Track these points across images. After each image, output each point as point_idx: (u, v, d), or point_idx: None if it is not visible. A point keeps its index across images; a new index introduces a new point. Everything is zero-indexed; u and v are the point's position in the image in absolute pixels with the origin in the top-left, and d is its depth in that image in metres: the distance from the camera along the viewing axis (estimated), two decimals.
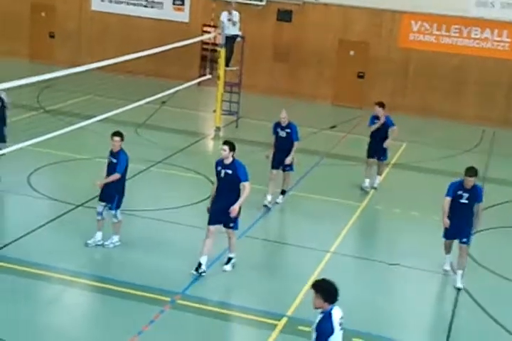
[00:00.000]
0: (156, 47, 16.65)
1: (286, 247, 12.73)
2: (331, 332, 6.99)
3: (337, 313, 7.06)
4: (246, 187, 10.89)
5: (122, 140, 11.57)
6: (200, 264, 10.96)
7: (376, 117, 15.21)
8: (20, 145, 13.31)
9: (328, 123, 21.31)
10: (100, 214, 11.66)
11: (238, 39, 19.96)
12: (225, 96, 19.73)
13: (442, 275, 11.74)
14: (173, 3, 24.93)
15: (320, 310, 7.06)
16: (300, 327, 9.61)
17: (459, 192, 11.21)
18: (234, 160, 10.98)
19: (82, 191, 13.75)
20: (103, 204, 11.64)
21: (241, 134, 19.34)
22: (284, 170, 14.23)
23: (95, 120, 14.89)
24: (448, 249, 11.75)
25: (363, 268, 12.18)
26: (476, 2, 22.32)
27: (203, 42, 23.55)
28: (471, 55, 22.62)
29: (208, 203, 11.43)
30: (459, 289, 11.26)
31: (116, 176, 11.49)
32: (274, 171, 14.20)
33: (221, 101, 19.51)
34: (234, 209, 10.86)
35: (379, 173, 15.76)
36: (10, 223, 13.12)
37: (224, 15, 19.67)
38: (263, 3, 23.86)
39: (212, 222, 11.04)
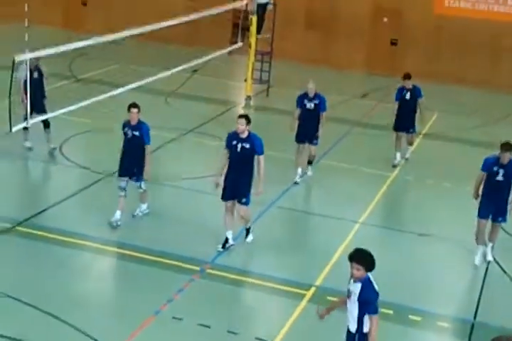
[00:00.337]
0: (188, 14, 16.57)
1: (314, 217, 12.75)
2: (377, 295, 7.04)
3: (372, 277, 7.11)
4: (261, 161, 10.58)
5: (139, 111, 11.26)
6: (226, 239, 10.93)
7: (403, 88, 14.76)
8: (53, 114, 13.46)
9: (359, 92, 21.12)
10: (124, 189, 11.39)
11: (270, 6, 19.76)
12: (256, 65, 19.62)
13: (472, 246, 11.65)
14: None
15: (357, 280, 7.05)
16: (328, 297, 9.66)
17: (495, 169, 10.64)
18: (250, 133, 10.64)
19: (112, 160, 13.72)
20: (125, 179, 11.39)
21: (272, 103, 19.28)
22: (310, 143, 13.84)
23: (126, 89, 14.91)
24: (481, 236, 10.95)
25: (392, 238, 12.15)
26: None
27: (234, 10, 23.33)
28: (508, 21, 22.14)
29: (216, 177, 10.94)
30: (489, 262, 11.20)
31: (150, 149, 11.37)
32: (301, 145, 13.89)
33: (252, 69, 19.40)
34: (260, 191, 10.63)
35: (410, 143, 15.50)
36: (42, 192, 13.32)
37: None
38: None
39: (226, 197, 10.80)
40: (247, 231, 11.25)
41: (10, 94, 11.51)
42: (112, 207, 11.55)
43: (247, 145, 10.58)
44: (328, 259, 10.87)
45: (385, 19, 23.46)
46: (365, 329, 7.14)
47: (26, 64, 11.91)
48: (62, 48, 12.47)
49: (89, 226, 11.39)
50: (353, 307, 7.14)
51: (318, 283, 10.26)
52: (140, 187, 11.57)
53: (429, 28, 22.91)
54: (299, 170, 13.90)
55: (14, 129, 11.92)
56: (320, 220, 12.56)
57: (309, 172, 14.18)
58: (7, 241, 10.82)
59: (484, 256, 11.15)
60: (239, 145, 10.61)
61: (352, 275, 7.08)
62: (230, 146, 10.69)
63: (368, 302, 7.04)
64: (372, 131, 17.55)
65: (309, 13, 23.97)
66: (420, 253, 11.66)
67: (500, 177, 10.69)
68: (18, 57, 11.40)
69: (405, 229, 12.33)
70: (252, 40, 19.09)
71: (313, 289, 10.08)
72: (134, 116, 11.22)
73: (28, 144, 14.29)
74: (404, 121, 14.94)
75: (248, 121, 10.58)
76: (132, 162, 11.35)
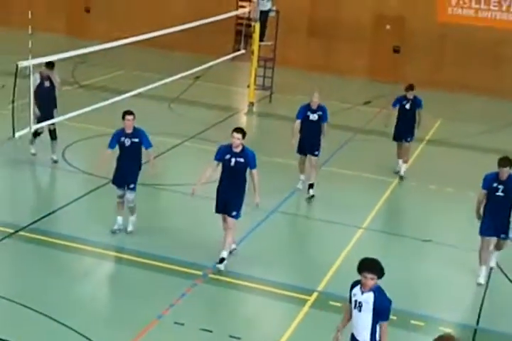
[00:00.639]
0: (191, 21, 16.62)
1: (317, 223, 12.73)
2: (390, 302, 6.99)
3: None
4: (255, 175, 10.35)
5: (135, 118, 11.07)
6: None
7: (404, 98, 14.56)
8: (56, 119, 13.49)
9: (362, 99, 21.14)
10: (122, 196, 11.28)
11: (272, 14, 19.82)
12: (258, 71, 19.66)
13: (475, 251, 11.61)
14: None
15: (366, 290, 6.97)
16: (331, 303, 9.64)
17: (494, 185, 10.43)
18: (244, 147, 10.36)
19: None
20: (123, 188, 11.23)
21: (274, 109, 19.30)
22: (313, 155, 13.51)
23: (129, 95, 14.95)
24: (484, 254, 10.71)
25: (395, 244, 12.14)
26: None
27: (237, 17, 23.42)
28: (511, 29, 22.16)
29: (196, 186, 10.69)
30: (491, 268, 11.15)
31: (152, 154, 11.32)
32: (303, 156, 13.61)
33: (255, 76, 19.44)
34: (257, 202, 10.42)
35: (404, 161, 14.92)
36: (44, 197, 13.34)
37: None
38: None
39: (219, 210, 10.62)
40: (222, 260, 10.50)
41: (13, 100, 11.53)
42: (114, 211, 11.53)
43: (242, 160, 10.31)
44: (330, 264, 10.85)
45: (388, 26, 23.51)
46: (378, 338, 7.09)
47: (31, 72, 11.84)
48: (65, 55, 12.50)
49: (92, 232, 11.39)
50: (364, 317, 7.03)
51: (320, 288, 10.23)
52: (132, 200, 11.29)
53: (431, 35, 22.94)
54: (302, 177, 13.87)
55: (17, 135, 11.93)
56: (322, 226, 12.55)
57: (312, 192, 13.59)
58: (10, 245, 10.83)
59: (488, 275, 11.04)
60: (233, 160, 10.34)
61: (363, 286, 6.97)
62: (222, 160, 10.41)
63: (383, 310, 6.97)
64: (376, 137, 17.54)
65: (312, 20, 24.03)
66: (423, 258, 11.64)
67: (500, 193, 10.52)
68: (21, 64, 11.42)
69: (408, 234, 12.31)
70: (255, 47, 19.14)
71: (315, 294, 10.06)
72: (130, 124, 11.02)
73: (32, 150, 14.32)
74: (403, 131, 14.79)
75: (244, 135, 10.29)
76: (131, 170, 11.22)
